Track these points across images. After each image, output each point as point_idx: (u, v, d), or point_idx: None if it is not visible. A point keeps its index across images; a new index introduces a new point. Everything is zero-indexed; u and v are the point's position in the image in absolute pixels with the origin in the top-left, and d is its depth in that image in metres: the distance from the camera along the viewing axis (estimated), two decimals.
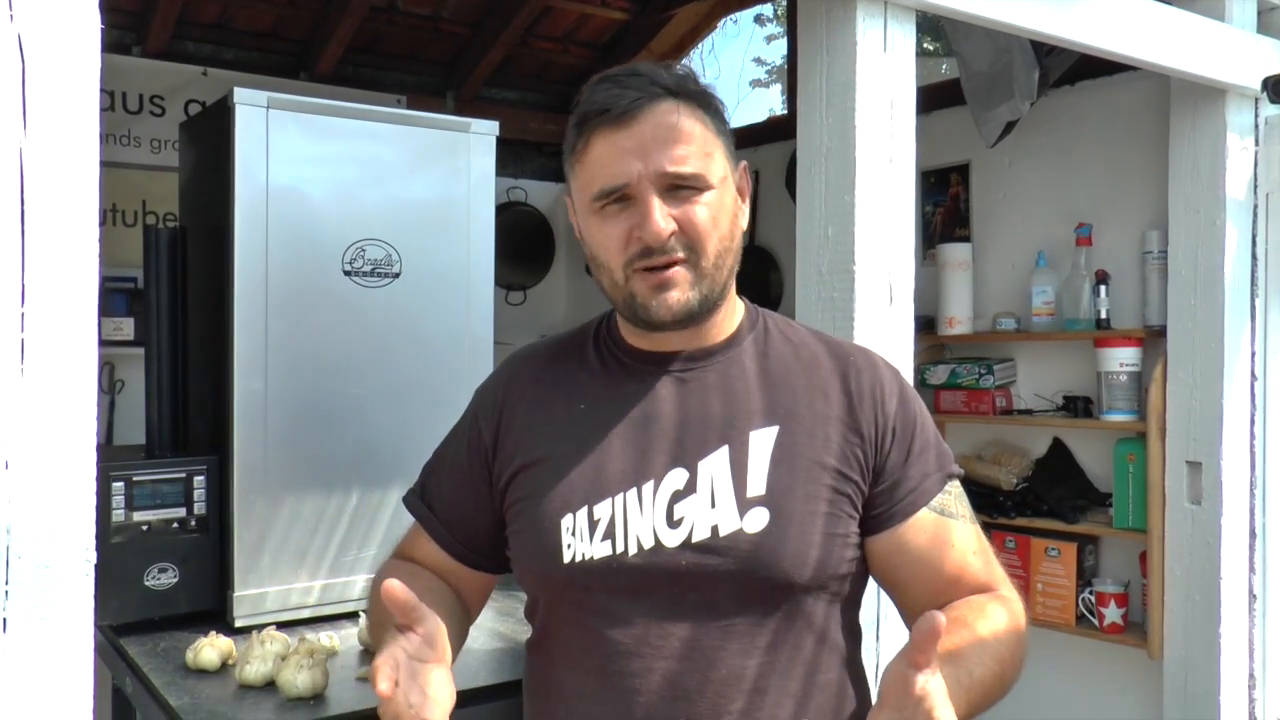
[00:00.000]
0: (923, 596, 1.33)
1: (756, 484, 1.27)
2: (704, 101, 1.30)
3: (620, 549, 1.26)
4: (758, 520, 1.25)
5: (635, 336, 1.38)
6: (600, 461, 1.31)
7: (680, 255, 1.26)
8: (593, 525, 1.28)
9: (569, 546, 1.28)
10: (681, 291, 1.27)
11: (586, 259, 1.36)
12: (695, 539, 1.25)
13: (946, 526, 1.33)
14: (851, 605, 1.37)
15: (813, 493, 1.28)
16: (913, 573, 1.34)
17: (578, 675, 1.31)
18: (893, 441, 1.33)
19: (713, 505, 1.26)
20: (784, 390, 1.33)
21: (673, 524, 1.26)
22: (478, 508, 1.40)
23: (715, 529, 1.26)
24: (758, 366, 1.36)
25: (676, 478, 1.28)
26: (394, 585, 1.12)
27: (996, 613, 1.31)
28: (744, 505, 1.26)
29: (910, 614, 1.37)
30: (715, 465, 1.28)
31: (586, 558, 1.27)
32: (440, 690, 1.12)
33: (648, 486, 1.28)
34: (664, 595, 1.26)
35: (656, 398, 1.33)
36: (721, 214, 1.29)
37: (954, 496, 1.36)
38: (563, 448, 1.33)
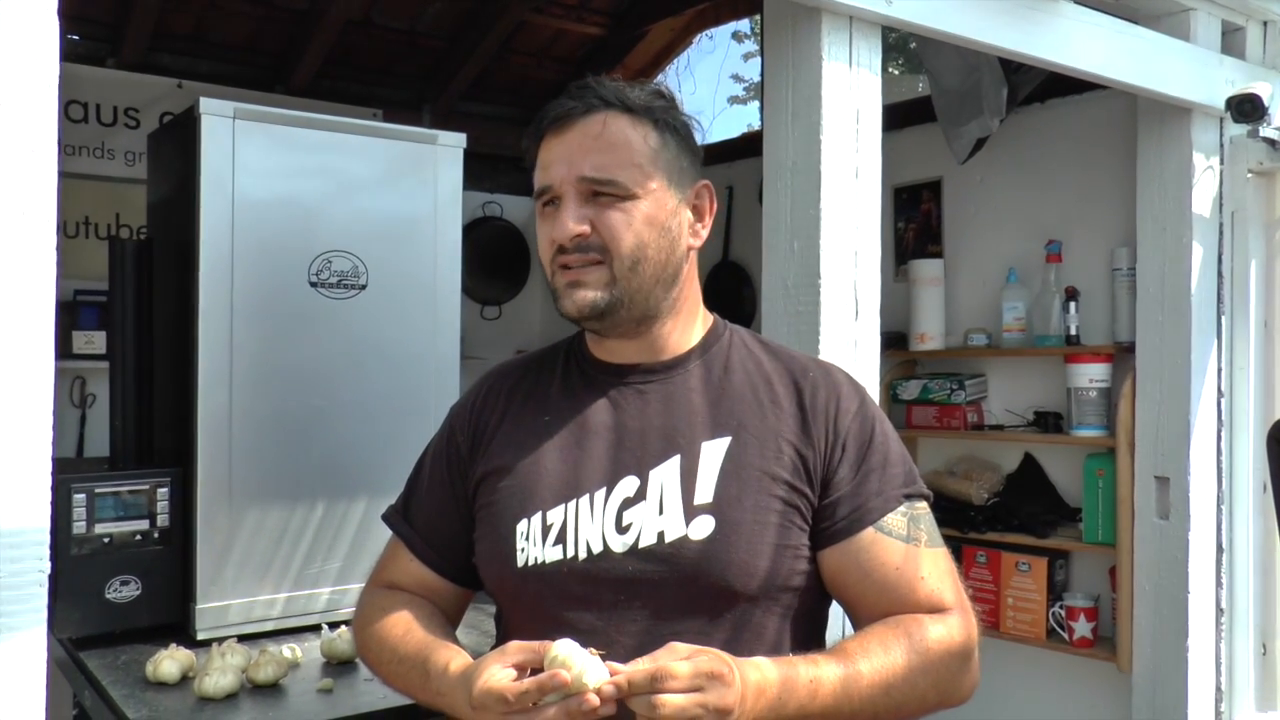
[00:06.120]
0: (870, 618, 1.32)
1: (704, 493, 1.29)
2: (651, 116, 1.34)
3: (570, 554, 1.30)
4: (703, 528, 1.27)
5: (597, 348, 1.43)
6: (556, 469, 1.35)
7: (593, 256, 1.31)
8: (545, 530, 1.32)
9: (522, 550, 1.32)
10: (590, 290, 1.31)
11: None
12: (642, 545, 1.28)
13: (894, 548, 1.31)
14: (806, 620, 1.36)
15: (762, 503, 1.29)
16: (860, 591, 1.32)
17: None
18: (842, 456, 1.33)
19: (660, 512, 1.29)
20: (739, 403, 1.36)
21: (621, 530, 1.29)
22: (460, 521, 1.42)
23: (661, 535, 1.28)
24: (716, 379, 1.38)
25: (628, 485, 1.31)
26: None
27: (924, 626, 1.28)
28: (690, 513, 1.28)
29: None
30: (666, 474, 1.31)
31: (538, 561, 1.30)
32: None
33: (599, 494, 1.32)
34: (611, 601, 1.28)
35: (614, 408, 1.37)
36: (642, 224, 1.32)
37: (911, 519, 1.34)
38: (523, 457, 1.37)
